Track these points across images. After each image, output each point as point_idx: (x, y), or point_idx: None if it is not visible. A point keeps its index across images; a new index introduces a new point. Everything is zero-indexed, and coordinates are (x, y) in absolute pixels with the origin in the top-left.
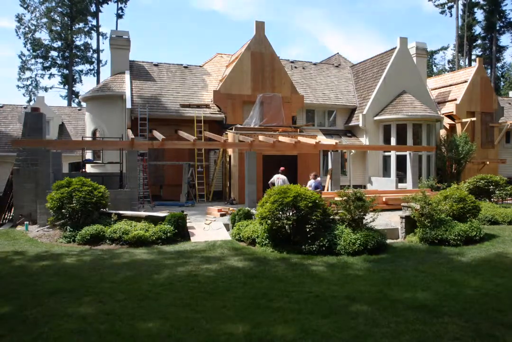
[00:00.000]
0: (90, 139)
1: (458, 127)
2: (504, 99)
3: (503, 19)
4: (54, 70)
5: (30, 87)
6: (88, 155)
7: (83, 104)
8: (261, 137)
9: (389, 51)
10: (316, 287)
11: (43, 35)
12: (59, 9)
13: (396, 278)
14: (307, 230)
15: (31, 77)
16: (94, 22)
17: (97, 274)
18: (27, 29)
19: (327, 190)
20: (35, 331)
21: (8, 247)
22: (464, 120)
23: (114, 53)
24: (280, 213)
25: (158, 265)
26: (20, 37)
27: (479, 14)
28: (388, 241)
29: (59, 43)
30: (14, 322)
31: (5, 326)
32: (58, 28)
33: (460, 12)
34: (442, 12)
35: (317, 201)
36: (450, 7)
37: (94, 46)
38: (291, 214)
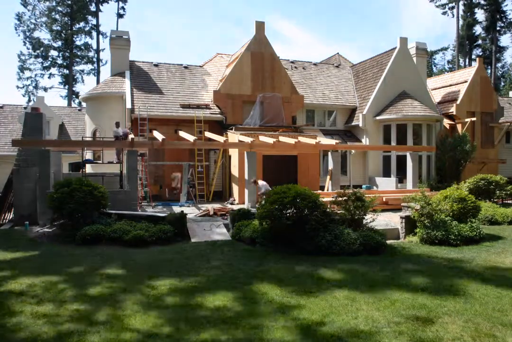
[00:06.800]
0: (90, 139)
1: (458, 127)
2: (504, 99)
3: (504, 20)
4: (54, 70)
5: (30, 87)
6: (89, 155)
7: (83, 104)
8: (261, 138)
9: (389, 51)
10: (316, 288)
11: (43, 35)
12: (59, 9)
13: (396, 278)
14: (307, 230)
15: (30, 77)
16: (94, 22)
17: None
18: (26, 28)
19: (327, 190)
20: None
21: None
22: (464, 120)
23: (114, 53)
24: (280, 213)
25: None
26: (19, 35)
27: (480, 15)
28: (388, 241)
29: (59, 42)
30: None
31: None
32: (58, 27)
33: (461, 13)
34: (444, 13)
35: (317, 201)
36: (451, 8)
37: (94, 46)
38: (291, 214)
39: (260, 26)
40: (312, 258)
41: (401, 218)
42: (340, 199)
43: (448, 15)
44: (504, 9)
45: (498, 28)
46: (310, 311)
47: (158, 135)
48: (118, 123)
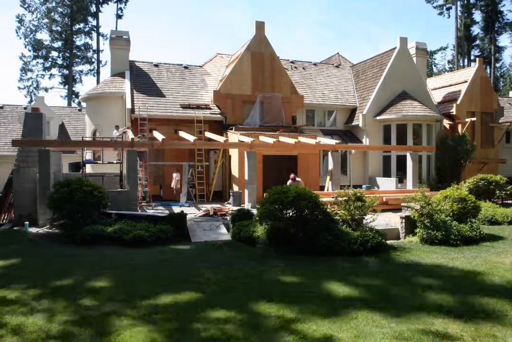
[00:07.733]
0: (90, 139)
1: (459, 127)
2: (504, 99)
3: (501, 20)
4: (54, 71)
5: (31, 88)
6: (89, 155)
7: (83, 104)
8: (261, 138)
9: (389, 51)
10: (316, 288)
11: (44, 36)
12: (59, 10)
13: (396, 278)
14: (307, 230)
15: (31, 78)
16: (94, 23)
17: None
18: (28, 30)
19: (327, 190)
20: None
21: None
22: (464, 120)
23: (114, 53)
24: (280, 213)
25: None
26: (20, 38)
27: (477, 15)
28: (388, 241)
29: (59, 43)
30: None
31: None
32: (58, 28)
33: (459, 13)
34: (440, 14)
35: (317, 201)
36: (448, 9)
37: (94, 47)
38: (291, 214)
39: (260, 26)
40: (312, 257)
41: (401, 218)
42: (340, 199)
43: (444, 15)
44: (501, 9)
45: (496, 28)
46: (310, 311)
47: (158, 135)
48: (118, 127)
